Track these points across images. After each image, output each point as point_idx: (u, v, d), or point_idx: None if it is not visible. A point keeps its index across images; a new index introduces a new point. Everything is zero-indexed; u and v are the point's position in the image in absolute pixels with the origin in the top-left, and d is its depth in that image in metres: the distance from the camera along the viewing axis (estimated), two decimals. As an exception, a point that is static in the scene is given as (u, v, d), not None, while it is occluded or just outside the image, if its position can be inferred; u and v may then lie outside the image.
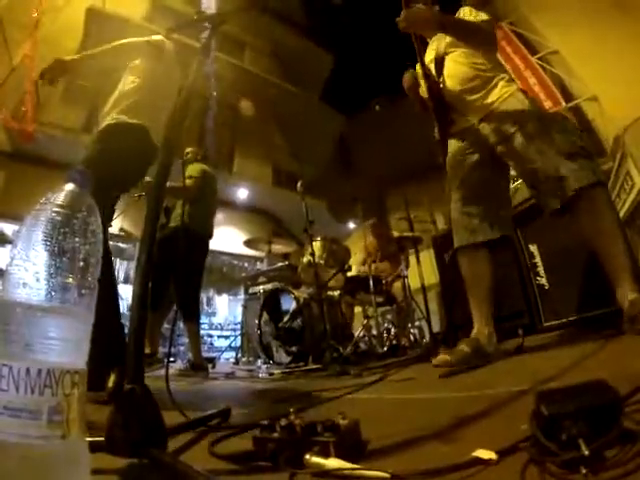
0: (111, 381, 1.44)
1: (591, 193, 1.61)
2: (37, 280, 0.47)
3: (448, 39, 1.94)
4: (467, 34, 1.85)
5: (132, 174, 1.89)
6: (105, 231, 1.57)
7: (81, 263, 0.50)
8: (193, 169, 3.32)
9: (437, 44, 2.00)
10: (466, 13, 1.93)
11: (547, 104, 6.47)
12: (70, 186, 0.53)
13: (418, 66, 2.04)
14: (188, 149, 3.62)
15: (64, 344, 0.47)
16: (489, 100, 1.84)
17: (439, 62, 1.96)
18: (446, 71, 1.94)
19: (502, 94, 1.83)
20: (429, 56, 2.01)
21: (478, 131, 1.87)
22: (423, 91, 1.98)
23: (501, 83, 1.86)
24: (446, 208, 2.05)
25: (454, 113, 1.94)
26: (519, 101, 1.81)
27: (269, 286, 4.23)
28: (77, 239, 0.50)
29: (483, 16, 1.91)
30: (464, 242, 1.89)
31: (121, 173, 1.76)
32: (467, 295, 1.89)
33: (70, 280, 0.49)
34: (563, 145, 1.65)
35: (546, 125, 1.72)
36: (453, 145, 1.96)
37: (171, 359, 4.72)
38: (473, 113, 1.88)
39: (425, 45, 2.06)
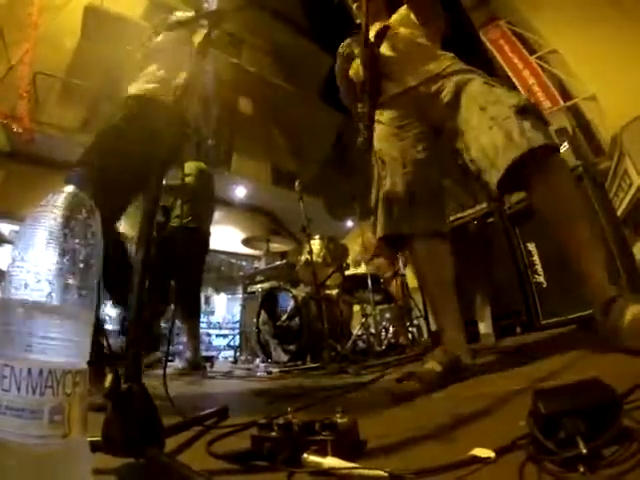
0: (108, 381, 1.43)
1: (547, 160, 1.30)
2: (38, 281, 0.47)
3: (396, 16, 1.78)
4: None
5: None
6: None
7: (81, 264, 0.50)
8: (189, 167, 3.32)
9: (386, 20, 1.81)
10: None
11: (546, 103, 6.49)
12: (70, 188, 0.53)
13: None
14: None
15: (65, 344, 0.48)
16: (431, 67, 1.63)
17: (381, 34, 1.72)
18: (387, 41, 1.72)
19: (446, 64, 1.62)
20: (374, 29, 1.76)
21: (416, 96, 1.62)
22: (354, 72, 1.79)
23: (445, 57, 1.66)
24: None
25: (388, 81, 1.67)
26: (463, 69, 1.60)
27: (267, 285, 4.22)
28: (77, 240, 0.50)
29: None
30: (394, 230, 1.58)
31: None
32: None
33: (71, 281, 0.49)
34: (512, 99, 1.38)
35: (492, 85, 1.48)
36: (385, 115, 1.69)
37: (169, 358, 4.72)
38: (412, 77, 1.63)
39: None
